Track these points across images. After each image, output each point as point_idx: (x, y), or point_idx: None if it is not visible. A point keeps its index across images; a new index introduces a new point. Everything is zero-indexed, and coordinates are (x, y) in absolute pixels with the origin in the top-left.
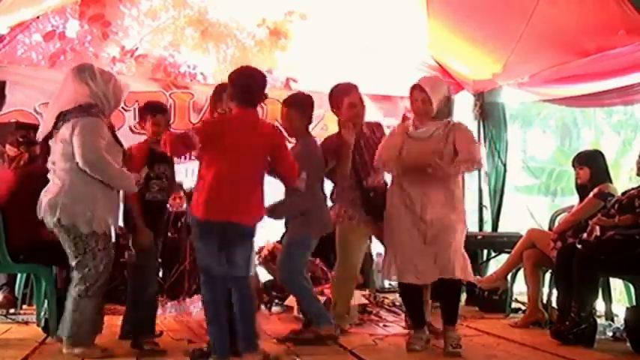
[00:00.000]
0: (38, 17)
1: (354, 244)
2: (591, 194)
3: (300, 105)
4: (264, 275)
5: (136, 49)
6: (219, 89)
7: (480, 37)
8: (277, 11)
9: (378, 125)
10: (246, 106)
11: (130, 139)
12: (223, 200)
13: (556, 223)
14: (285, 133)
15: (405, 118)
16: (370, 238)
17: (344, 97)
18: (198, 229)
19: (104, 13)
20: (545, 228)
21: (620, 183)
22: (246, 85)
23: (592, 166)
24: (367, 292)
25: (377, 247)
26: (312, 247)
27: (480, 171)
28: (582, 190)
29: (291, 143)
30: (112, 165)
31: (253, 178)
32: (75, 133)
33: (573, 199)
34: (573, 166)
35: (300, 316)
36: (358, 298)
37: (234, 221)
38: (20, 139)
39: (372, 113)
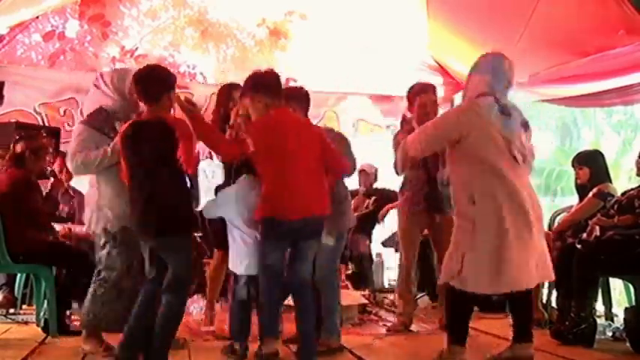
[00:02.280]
0: (38, 17)
1: (414, 235)
2: (591, 194)
3: (297, 97)
4: None
5: (136, 49)
6: (227, 90)
7: (480, 38)
8: (277, 11)
9: None
10: (278, 102)
11: None
12: (298, 198)
13: (555, 223)
14: None
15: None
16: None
17: (417, 96)
18: (271, 231)
19: (104, 13)
20: (545, 228)
21: (620, 183)
22: (274, 85)
23: (592, 166)
24: (367, 291)
25: (377, 247)
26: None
27: None
28: (582, 190)
29: None
30: (89, 157)
31: (318, 170)
32: None
33: (573, 199)
34: (573, 166)
35: None
36: (358, 297)
37: (316, 215)
38: None
39: (372, 113)
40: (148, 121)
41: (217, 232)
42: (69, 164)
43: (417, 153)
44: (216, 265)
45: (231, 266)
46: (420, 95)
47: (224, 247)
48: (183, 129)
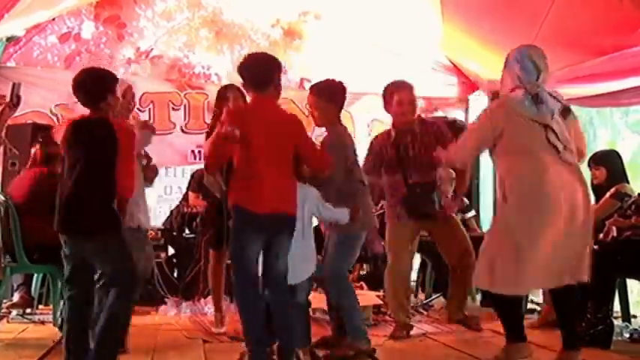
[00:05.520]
0: (54, 19)
1: (400, 244)
2: (608, 194)
3: (328, 93)
4: None
5: (151, 50)
6: (223, 91)
7: (494, 38)
8: (291, 12)
9: (433, 124)
10: (259, 91)
11: None
12: (265, 191)
13: None
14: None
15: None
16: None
17: (394, 93)
18: (241, 222)
19: (119, 15)
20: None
21: (637, 183)
22: (255, 69)
23: (608, 166)
24: (381, 292)
25: None
26: (359, 245)
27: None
28: (599, 190)
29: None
30: None
31: (288, 167)
32: None
33: None
34: (589, 166)
35: (315, 315)
36: (372, 298)
37: (281, 212)
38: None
39: (387, 113)
40: (89, 119)
41: (213, 233)
42: None
43: (465, 160)
44: (213, 267)
45: None
46: (398, 92)
47: (218, 248)
48: (126, 136)
